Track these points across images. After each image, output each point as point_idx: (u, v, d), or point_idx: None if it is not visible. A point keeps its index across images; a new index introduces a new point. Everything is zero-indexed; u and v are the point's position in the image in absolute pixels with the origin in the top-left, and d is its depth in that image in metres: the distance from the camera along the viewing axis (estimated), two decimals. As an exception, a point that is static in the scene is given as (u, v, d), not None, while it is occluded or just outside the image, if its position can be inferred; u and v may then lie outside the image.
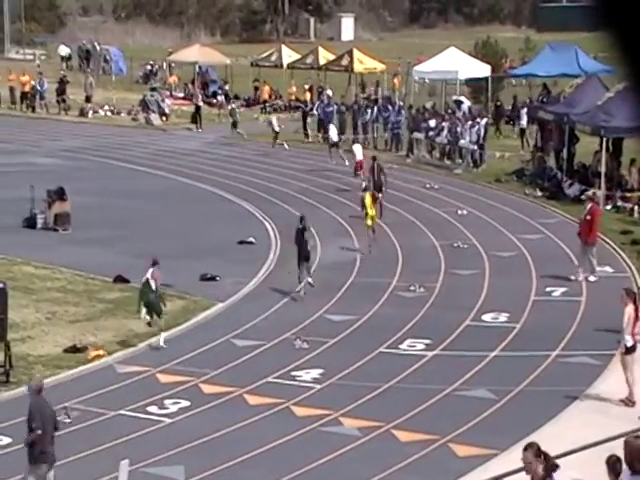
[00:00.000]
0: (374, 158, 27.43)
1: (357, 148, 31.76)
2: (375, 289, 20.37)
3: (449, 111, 37.84)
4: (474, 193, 30.14)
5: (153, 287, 17.14)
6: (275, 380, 15.61)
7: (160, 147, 38.82)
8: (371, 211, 23.49)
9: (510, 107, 41.02)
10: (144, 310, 17.08)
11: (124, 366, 16.23)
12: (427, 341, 17.19)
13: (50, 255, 22.60)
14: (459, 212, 27.43)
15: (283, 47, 52.08)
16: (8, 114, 47.19)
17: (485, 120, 34.82)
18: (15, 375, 15.35)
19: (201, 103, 44.09)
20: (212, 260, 22.34)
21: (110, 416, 14.21)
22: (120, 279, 20.83)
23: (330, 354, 16.78)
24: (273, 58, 50.60)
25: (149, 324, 17.23)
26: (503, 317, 18.55)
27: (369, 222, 23.32)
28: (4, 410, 14.32)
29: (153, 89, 48.70)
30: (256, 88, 50.17)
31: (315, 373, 15.87)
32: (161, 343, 17.08)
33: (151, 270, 17.39)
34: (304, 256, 20.15)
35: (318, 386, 15.39)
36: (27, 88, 48.05)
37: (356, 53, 46.84)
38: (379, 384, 15.27)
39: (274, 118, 38.66)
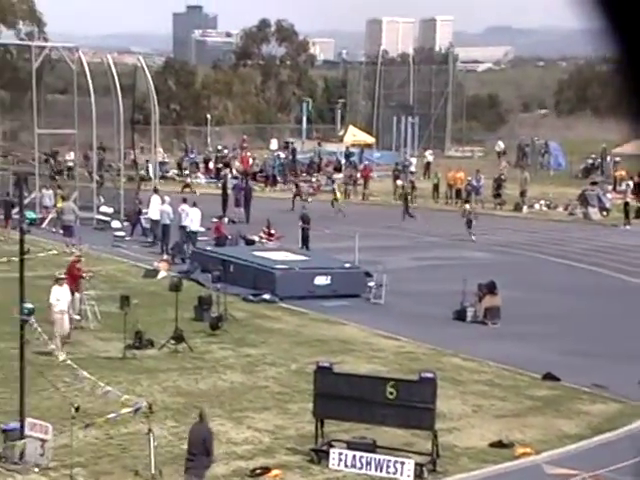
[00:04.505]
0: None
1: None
2: None
3: None
4: None
5: None
6: None
7: (598, 242, 37.67)
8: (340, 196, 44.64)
9: None
10: None
11: (553, 467, 15.42)
12: None
13: (478, 348, 22.45)
14: None
15: None
16: (443, 209, 48.64)
17: None
18: (441, 465, 15.19)
19: (629, 198, 42.43)
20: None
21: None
22: (549, 377, 20.10)
23: None
24: None
25: None
26: None
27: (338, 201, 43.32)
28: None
29: (594, 183, 47.69)
30: None
31: None
32: None
33: None
34: None
35: None
36: (459, 184, 49.37)
37: None
38: None
39: None
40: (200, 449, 13.60)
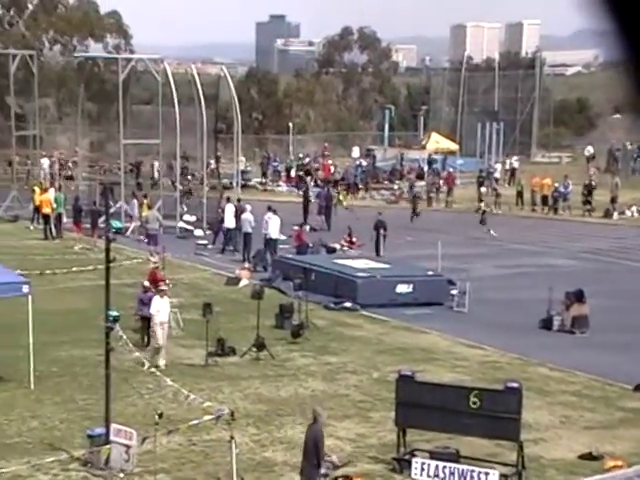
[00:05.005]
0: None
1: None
2: None
3: None
4: None
5: None
6: None
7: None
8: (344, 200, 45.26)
9: None
10: None
11: (644, 481, 14.93)
12: None
13: (566, 358, 21.95)
14: None
15: None
16: (529, 216, 47.90)
17: None
18: (527, 476, 14.83)
19: None
20: None
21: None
22: (640, 387, 19.52)
23: None
24: None
25: None
26: None
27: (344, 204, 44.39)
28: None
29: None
30: None
31: None
32: None
33: None
34: None
35: None
36: (546, 190, 48.58)
37: None
38: None
39: None
40: (312, 450, 13.50)
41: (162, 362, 20.37)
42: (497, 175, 55.82)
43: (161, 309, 20.88)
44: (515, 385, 15.15)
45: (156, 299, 21.03)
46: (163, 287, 21.60)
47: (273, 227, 33.75)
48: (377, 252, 34.19)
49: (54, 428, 16.79)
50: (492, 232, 40.20)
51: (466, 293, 27.02)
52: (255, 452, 15.77)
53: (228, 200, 37.75)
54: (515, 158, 60.66)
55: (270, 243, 33.46)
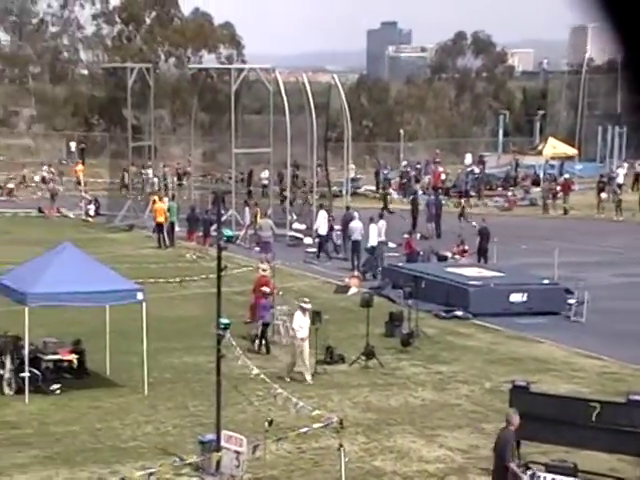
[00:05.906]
0: None
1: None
2: None
3: None
4: None
5: None
6: None
7: None
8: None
9: None
10: None
11: None
12: None
13: None
14: None
15: None
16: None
17: None
18: (649, 494, 14.20)
19: None
20: None
21: None
22: None
23: None
24: None
25: None
26: None
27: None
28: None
29: None
30: None
31: None
32: None
33: None
34: None
35: None
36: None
37: None
38: None
39: None
40: (501, 454, 13.22)
41: (309, 377, 20.13)
42: (620, 180, 54.10)
43: (303, 325, 20.65)
44: (639, 398, 14.54)
45: (298, 315, 20.79)
46: (307, 305, 21.11)
47: (372, 234, 33.48)
48: (485, 259, 33.55)
49: (167, 433, 16.92)
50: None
51: (584, 302, 26.23)
52: (364, 461, 15.56)
53: (321, 207, 37.82)
54: (639, 162, 58.79)
55: (373, 251, 33.20)
